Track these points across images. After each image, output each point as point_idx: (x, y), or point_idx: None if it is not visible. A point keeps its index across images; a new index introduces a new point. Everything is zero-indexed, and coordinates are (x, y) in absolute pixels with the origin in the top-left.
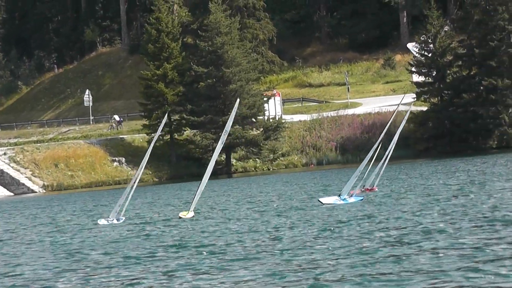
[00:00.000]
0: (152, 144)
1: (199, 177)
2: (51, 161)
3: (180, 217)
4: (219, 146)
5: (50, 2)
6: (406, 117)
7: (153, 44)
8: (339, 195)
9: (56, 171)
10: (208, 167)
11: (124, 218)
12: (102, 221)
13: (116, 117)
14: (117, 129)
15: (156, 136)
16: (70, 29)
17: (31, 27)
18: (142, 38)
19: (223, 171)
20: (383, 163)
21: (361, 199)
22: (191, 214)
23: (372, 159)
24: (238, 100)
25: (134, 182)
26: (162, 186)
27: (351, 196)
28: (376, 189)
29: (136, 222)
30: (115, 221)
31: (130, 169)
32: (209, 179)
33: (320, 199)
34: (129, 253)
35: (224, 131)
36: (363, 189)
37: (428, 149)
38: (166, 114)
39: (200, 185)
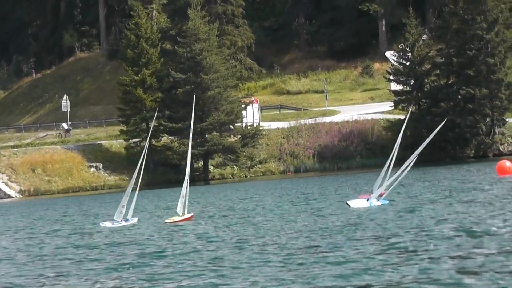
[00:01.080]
0: (145, 151)
1: (177, 183)
2: (28, 166)
3: (165, 222)
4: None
5: (28, 6)
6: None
7: (132, 50)
8: (367, 199)
9: (33, 176)
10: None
11: (135, 218)
12: (105, 224)
13: (65, 125)
14: (65, 137)
15: (148, 143)
16: (48, 33)
17: (10, 31)
18: (120, 43)
19: (200, 177)
20: (388, 169)
21: (388, 202)
22: (180, 217)
23: (391, 164)
24: (194, 96)
25: (137, 184)
26: (144, 192)
27: (378, 199)
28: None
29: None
30: (123, 223)
31: (107, 175)
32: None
33: (348, 202)
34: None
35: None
36: (370, 193)
37: (405, 157)
38: (153, 123)
39: (183, 188)
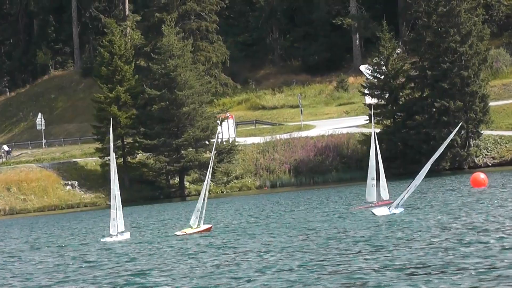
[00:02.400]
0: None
1: (153, 200)
2: (3, 185)
3: (177, 234)
4: None
5: (1, 25)
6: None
7: (106, 67)
8: (388, 208)
9: (8, 195)
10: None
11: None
12: (106, 239)
13: (5, 147)
14: (6, 159)
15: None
16: (22, 52)
17: None
18: (95, 61)
19: (176, 194)
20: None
21: (402, 211)
22: (192, 229)
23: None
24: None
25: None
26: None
27: (397, 207)
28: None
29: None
30: (120, 237)
31: (83, 192)
32: (163, 203)
33: (373, 210)
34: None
35: None
36: (373, 205)
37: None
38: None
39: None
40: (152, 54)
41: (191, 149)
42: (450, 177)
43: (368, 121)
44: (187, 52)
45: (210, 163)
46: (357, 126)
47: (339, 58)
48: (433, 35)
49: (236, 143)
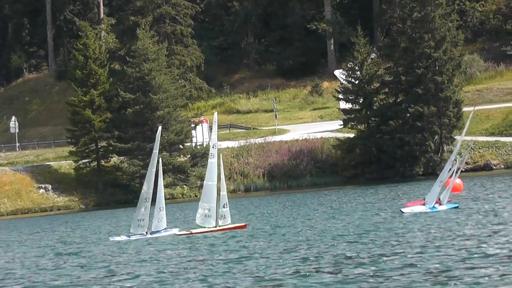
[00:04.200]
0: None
1: (126, 204)
2: None
3: (189, 234)
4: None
5: None
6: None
7: (81, 70)
8: (424, 204)
9: None
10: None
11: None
12: (115, 238)
13: None
14: None
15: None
16: None
17: None
18: (69, 64)
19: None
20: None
21: (456, 206)
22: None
23: (458, 172)
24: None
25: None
26: (107, 212)
27: (441, 204)
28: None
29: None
30: (134, 237)
31: (56, 196)
32: (135, 206)
33: (402, 209)
34: None
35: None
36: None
37: (355, 175)
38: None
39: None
40: (126, 57)
41: (165, 153)
42: (423, 182)
43: (342, 126)
44: (161, 55)
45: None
46: (331, 131)
47: (314, 62)
48: (408, 41)
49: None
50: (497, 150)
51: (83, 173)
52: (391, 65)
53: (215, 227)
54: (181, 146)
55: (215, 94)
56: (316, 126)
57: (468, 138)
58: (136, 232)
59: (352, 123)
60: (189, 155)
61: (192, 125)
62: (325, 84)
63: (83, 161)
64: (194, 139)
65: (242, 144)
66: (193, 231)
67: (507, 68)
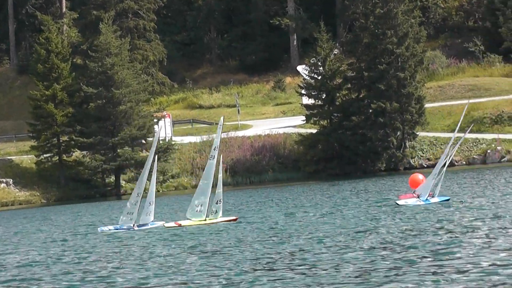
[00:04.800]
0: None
1: (88, 198)
2: None
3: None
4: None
5: None
6: None
7: (43, 65)
8: (418, 196)
9: None
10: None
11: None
12: (104, 228)
13: None
14: None
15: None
16: None
17: None
18: (31, 58)
19: (112, 193)
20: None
21: (448, 199)
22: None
23: (445, 165)
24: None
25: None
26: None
27: (433, 196)
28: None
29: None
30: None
31: (17, 190)
32: (98, 201)
33: (397, 201)
34: None
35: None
36: (415, 195)
37: (318, 171)
38: None
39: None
40: (89, 52)
41: (127, 148)
42: (386, 178)
43: (305, 122)
44: (124, 50)
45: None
46: (294, 126)
47: (277, 58)
48: (370, 37)
49: (173, 142)
50: (459, 146)
51: (44, 167)
52: (353, 61)
53: (205, 220)
54: (143, 141)
55: (177, 89)
56: (278, 121)
57: (430, 134)
58: (124, 224)
59: (315, 119)
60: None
61: (155, 120)
62: (288, 79)
63: (45, 155)
64: (156, 134)
65: (204, 139)
66: (182, 223)
67: (469, 64)
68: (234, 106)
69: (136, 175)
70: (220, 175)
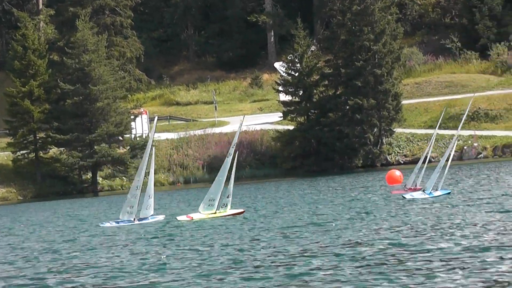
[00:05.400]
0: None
1: (65, 195)
2: None
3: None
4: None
5: None
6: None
7: (19, 61)
8: (423, 190)
9: None
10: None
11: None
12: (105, 224)
13: None
14: None
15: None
16: None
17: None
18: (7, 54)
19: (89, 189)
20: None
21: (449, 192)
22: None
23: (449, 159)
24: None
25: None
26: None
27: (436, 189)
28: (420, 188)
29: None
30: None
31: None
32: (74, 198)
33: (403, 194)
34: None
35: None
36: (405, 189)
37: (295, 167)
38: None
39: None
40: (66, 48)
41: (104, 145)
42: (363, 174)
43: (282, 118)
44: (101, 47)
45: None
46: (271, 123)
47: (254, 55)
48: (347, 33)
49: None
50: (435, 142)
51: (21, 164)
52: (330, 58)
53: (215, 213)
54: (120, 138)
55: (154, 86)
56: (255, 118)
57: (407, 130)
58: (124, 219)
59: (292, 115)
60: (129, 147)
61: (132, 117)
62: (265, 76)
63: (21, 152)
64: (133, 131)
65: (181, 136)
66: (193, 216)
67: (445, 61)
68: (211, 103)
69: (113, 172)
70: (233, 171)
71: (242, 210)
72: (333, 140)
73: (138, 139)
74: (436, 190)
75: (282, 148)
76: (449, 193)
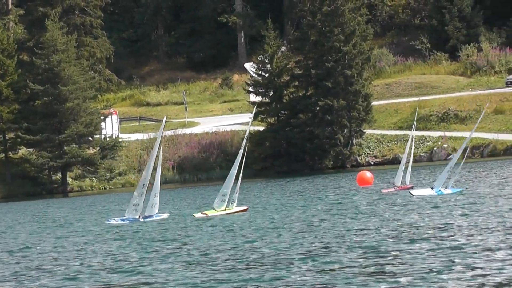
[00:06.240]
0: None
1: (35, 196)
2: None
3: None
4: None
5: None
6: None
7: None
8: (432, 188)
9: None
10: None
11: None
12: (111, 221)
13: None
14: None
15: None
16: None
17: None
18: None
19: (58, 190)
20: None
21: (460, 190)
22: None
23: (464, 158)
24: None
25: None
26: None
27: (446, 187)
28: (410, 186)
29: None
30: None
31: None
32: (43, 199)
33: (411, 191)
34: None
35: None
36: (395, 188)
37: (265, 168)
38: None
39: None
40: (35, 48)
41: (74, 145)
42: (334, 175)
43: (252, 119)
44: (71, 47)
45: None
46: (241, 124)
47: (224, 55)
48: (318, 34)
49: (120, 139)
50: (405, 143)
51: None
52: (301, 59)
53: (225, 210)
54: (90, 138)
55: (124, 86)
56: (226, 119)
57: (377, 132)
58: (130, 216)
59: (262, 116)
60: (99, 148)
61: (102, 117)
62: (236, 77)
63: None
64: (103, 131)
65: (152, 136)
66: (208, 213)
67: (415, 62)
68: (182, 103)
69: (83, 172)
70: (242, 164)
71: (246, 207)
72: (304, 141)
73: (108, 139)
74: (446, 188)
75: (252, 149)
76: (461, 190)
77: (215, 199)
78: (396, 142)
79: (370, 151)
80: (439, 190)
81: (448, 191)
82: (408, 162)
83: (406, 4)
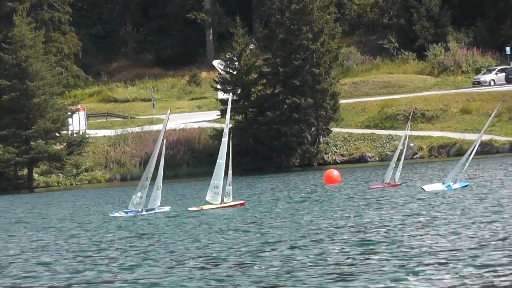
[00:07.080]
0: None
1: (0, 191)
2: None
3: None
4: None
5: None
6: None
7: None
8: (442, 183)
9: None
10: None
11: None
12: (115, 214)
13: None
14: None
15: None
16: None
17: None
18: None
19: (24, 186)
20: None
21: (467, 185)
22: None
23: (471, 154)
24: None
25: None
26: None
27: (455, 182)
28: (399, 183)
29: None
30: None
31: None
32: (9, 195)
33: (423, 187)
34: None
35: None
36: (385, 185)
37: (232, 166)
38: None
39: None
40: (3, 43)
41: (41, 141)
42: (301, 173)
43: (220, 116)
44: (39, 42)
45: None
46: (208, 121)
47: (193, 52)
48: (286, 32)
49: (87, 136)
50: (372, 142)
51: None
52: (269, 56)
53: (220, 204)
54: (57, 134)
55: (92, 82)
56: (193, 116)
57: (344, 130)
58: (133, 209)
59: (230, 113)
60: (65, 143)
61: (69, 113)
62: (204, 74)
63: None
64: (70, 127)
65: (119, 133)
66: (203, 207)
67: (383, 61)
68: (149, 100)
69: (49, 168)
70: (230, 155)
71: (242, 201)
72: (271, 138)
73: (75, 135)
74: (455, 183)
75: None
76: (467, 185)
77: (207, 192)
78: (363, 141)
79: (337, 149)
80: (449, 185)
81: (457, 185)
82: (400, 160)
83: (375, 3)
